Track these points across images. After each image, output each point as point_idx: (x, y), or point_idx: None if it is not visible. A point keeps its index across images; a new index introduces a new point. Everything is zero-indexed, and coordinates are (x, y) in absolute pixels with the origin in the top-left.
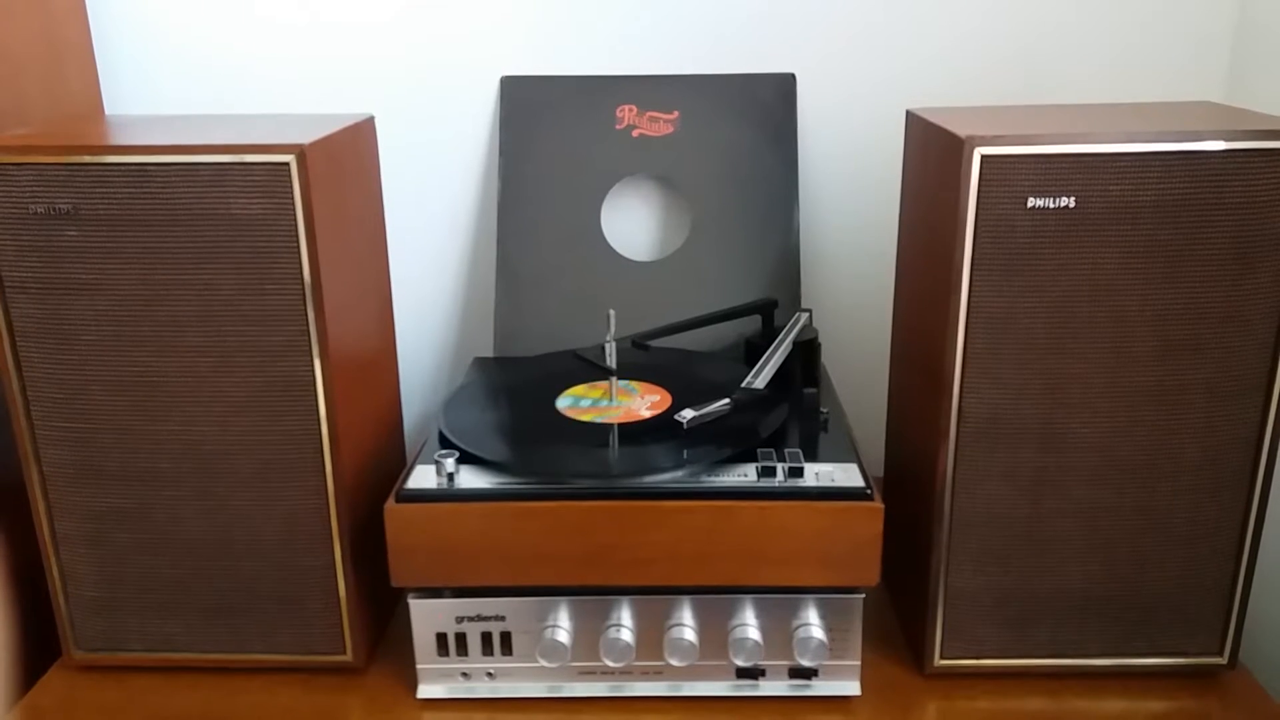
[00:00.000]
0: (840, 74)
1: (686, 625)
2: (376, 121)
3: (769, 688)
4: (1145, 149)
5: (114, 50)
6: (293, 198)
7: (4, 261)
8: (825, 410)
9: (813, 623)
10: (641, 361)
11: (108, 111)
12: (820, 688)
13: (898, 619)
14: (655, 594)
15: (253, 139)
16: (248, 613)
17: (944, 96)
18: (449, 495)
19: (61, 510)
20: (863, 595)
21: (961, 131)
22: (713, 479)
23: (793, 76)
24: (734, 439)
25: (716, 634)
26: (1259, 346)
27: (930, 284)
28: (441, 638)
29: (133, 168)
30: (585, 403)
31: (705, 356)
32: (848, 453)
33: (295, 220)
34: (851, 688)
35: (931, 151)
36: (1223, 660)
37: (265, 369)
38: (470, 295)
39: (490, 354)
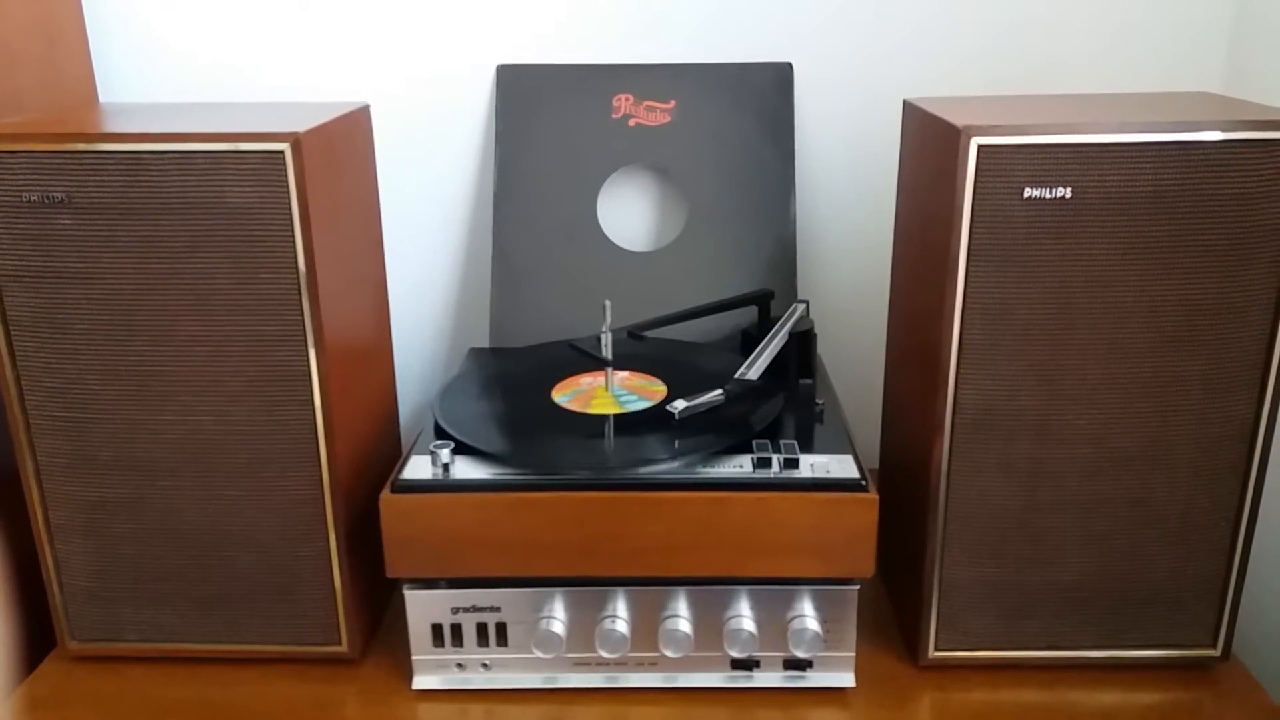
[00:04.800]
0: (837, 63)
1: (681, 616)
2: (372, 110)
3: (764, 679)
4: (1142, 139)
5: (108, 39)
6: (288, 186)
7: None
8: (821, 401)
9: (807, 614)
10: (637, 352)
11: (102, 100)
12: (815, 679)
13: (892, 610)
14: (650, 585)
15: (248, 127)
16: (243, 603)
17: (941, 86)
18: (444, 486)
19: (56, 500)
20: (857, 587)
21: (959, 121)
22: (708, 470)
23: (790, 66)
24: (729, 430)
25: (711, 625)
26: (1255, 338)
27: (926, 275)
28: (437, 628)
29: (127, 156)
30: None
31: (701, 348)
32: (843, 444)
33: (290, 209)
34: (846, 679)
35: (928, 141)
36: (1216, 652)
37: (260, 358)
38: (466, 285)
39: (485, 344)
